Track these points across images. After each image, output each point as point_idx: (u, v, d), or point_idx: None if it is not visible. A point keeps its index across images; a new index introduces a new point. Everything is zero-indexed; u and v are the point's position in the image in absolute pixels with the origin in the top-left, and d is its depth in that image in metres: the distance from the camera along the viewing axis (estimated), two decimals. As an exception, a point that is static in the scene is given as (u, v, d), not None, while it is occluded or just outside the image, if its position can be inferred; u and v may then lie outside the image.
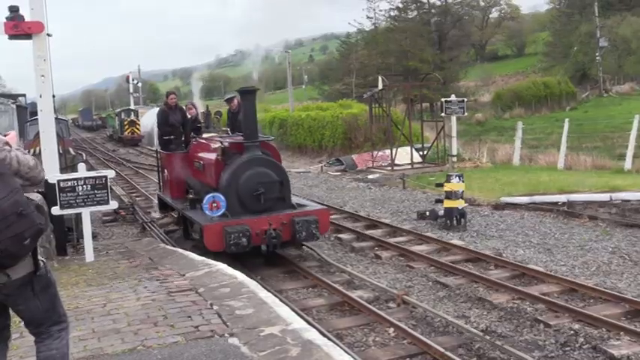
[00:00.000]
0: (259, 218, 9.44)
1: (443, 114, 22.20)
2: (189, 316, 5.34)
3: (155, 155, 14.13)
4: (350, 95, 47.29)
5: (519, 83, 57.22)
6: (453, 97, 22.64)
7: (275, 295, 5.77)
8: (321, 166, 25.28)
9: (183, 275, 7.05)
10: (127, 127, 46.78)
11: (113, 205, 9.66)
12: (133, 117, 47.52)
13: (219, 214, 9.28)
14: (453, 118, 22.09)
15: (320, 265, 10.13)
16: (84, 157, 20.25)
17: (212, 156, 10.33)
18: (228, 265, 7.44)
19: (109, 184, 9.32)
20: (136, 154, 38.44)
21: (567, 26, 58.44)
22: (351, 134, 27.63)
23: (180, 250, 9.45)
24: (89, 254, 9.19)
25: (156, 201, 15.18)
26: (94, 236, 11.01)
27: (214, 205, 9.20)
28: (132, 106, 54.98)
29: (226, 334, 4.79)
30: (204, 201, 9.22)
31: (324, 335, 5.01)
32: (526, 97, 50.62)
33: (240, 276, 6.58)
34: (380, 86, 24.22)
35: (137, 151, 41.49)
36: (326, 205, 12.90)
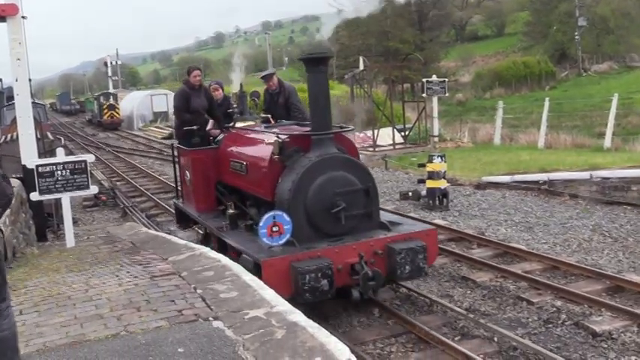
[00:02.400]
0: (342, 247, 6.56)
1: (424, 94, 22.22)
2: (173, 301, 5.29)
3: (171, 152, 10.68)
4: (331, 77, 47.14)
5: (499, 63, 57.44)
6: (434, 78, 22.66)
7: (259, 278, 5.75)
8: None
9: (166, 259, 7.00)
10: (106, 111, 46.28)
11: (93, 189, 9.53)
12: (112, 101, 47.00)
13: (283, 242, 6.45)
14: (434, 99, 22.11)
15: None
16: (62, 142, 20.01)
17: (264, 154, 7.25)
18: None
19: (88, 168, 9.20)
20: (115, 139, 38.10)
21: (547, 5, 58.60)
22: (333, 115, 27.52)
23: (163, 234, 9.38)
24: (70, 240, 9.10)
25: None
26: (75, 221, 10.91)
27: (275, 229, 6.37)
28: (111, 90, 54.40)
29: (210, 318, 4.75)
30: (261, 223, 6.32)
31: (309, 317, 5.00)
32: (506, 76, 50.86)
33: (223, 259, 6.53)
34: (361, 67, 24.17)
35: (117, 135, 41.12)
36: (431, 224, 9.60)
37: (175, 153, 10.22)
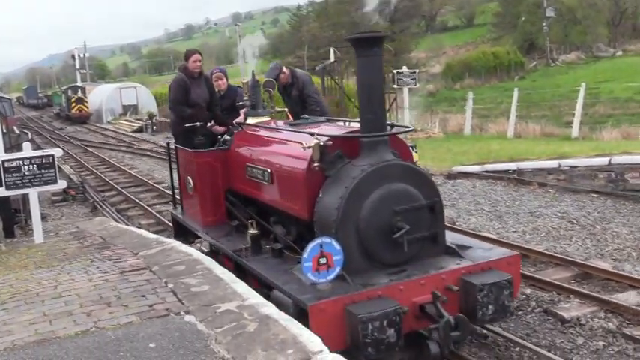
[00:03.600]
0: (409, 282, 5.06)
1: (395, 85, 22.30)
2: (144, 295, 5.26)
3: (167, 152, 9.42)
4: (302, 68, 46.95)
5: (469, 54, 57.94)
6: (404, 69, 22.75)
7: (231, 272, 5.73)
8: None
9: (137, 254, 6.94)
10: (74, 104, 45.62)
11: (62, 184, 9.39)
12: (80, 94, 46.32)
13: (332, 277, 4.90)
14: (405, 90, 22.22)
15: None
16: (29, 136, 19.70)
17: (298, 161, 5.67)
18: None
19: (56, 163, 9.06)
20: (84, 132, 37.60)
21: (515, -4, 59.18)
22: (304, 107, 27.50)
23: (133, 229, 9.29)
24: (38, 236, 8.96)
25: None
26: (43, 217, 10.74)
27: (322, 261, 4.83)
28: (79, 83, 53.62)
29: (182, 312, 4.73)
30: (306, 255, 4.78)
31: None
32: (476, 67, 51.28)
33: (195, 253, 6.50)
34: (332, 58, 24.17)
35: (86, 128, 40.59)
36: (513, 246, 8.57)
37: (172, 154, 8.74)
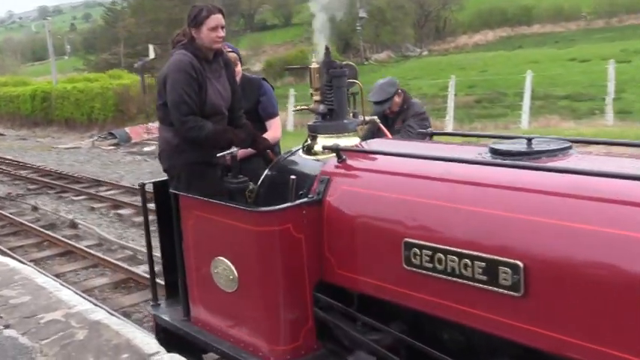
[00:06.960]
0: None
1: (217, 83, 22.27)
2: (-46, 313, 4.81)
3: (142, 204, 4.76)
4: (119, 65, 45.29)
5: (288, 52, 59.20)
6: (226, 66, 22.78)
7: (55, 280, 5.42)
8: (93, 141, 24.07)
9: (-59, 268, 6.31)
10: None
11: None
12: None
13: None
14: (228, 87, 22.26)
15: (99, 243, 9.69)
16: None
17: None
18: None
19: None
20: None
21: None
22: (123, 106, 26.67)
23: None
24: None
25: None
26: None
27: None
28: None
29: (1, 326, 4.40)
30: None
31: (112, 315, 4.84)
32: (296, 65, 52.59)
33: (11, 262, 6.03)
34: (152, 55, 23.61)
35: None
36: None
37: (145, 205, 4.75)
